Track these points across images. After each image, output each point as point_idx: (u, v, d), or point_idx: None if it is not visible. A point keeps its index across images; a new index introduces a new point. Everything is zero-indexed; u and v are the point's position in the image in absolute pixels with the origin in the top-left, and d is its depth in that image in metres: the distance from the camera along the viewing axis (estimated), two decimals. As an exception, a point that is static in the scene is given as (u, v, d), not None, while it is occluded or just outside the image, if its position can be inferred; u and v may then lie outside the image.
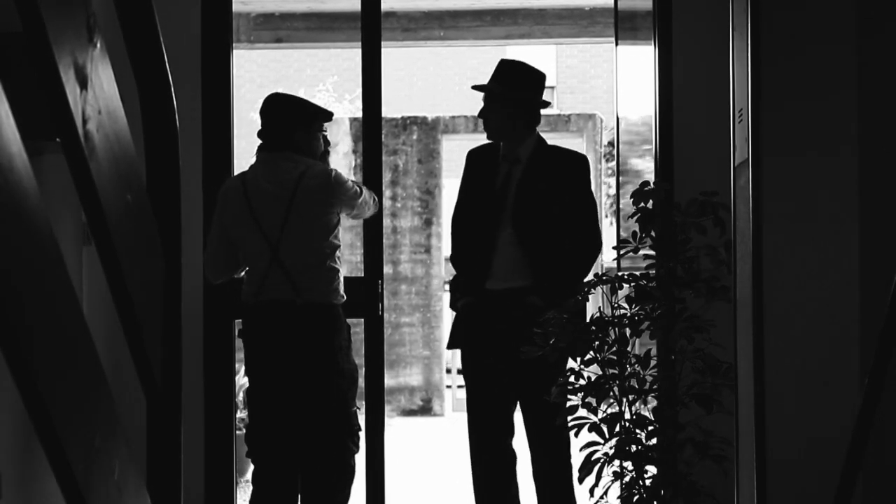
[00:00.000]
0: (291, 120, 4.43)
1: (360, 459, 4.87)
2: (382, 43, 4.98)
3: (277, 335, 4.36)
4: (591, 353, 4.14)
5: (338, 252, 4.47)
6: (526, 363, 4.32)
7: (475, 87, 4.77)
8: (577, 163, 4.69)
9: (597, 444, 4.09)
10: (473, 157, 4.86)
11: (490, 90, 4.65)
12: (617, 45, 5.58)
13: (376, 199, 4.71)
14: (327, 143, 4.61)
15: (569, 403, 4.12)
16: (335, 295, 4.42)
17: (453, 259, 4.79)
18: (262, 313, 4.38)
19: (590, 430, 4.10)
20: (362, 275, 4.94)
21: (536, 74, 4.68)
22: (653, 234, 4.16)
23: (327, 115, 4.54)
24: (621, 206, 5.67)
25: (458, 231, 4.78)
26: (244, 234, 4.41)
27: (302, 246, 4.38)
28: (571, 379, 4.12)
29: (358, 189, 4.51)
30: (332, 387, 4.39)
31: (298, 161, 4.41)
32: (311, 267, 4.37)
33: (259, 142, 4.50)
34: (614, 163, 8.59)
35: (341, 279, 4.48)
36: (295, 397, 4.39)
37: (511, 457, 4.80)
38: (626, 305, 4.20)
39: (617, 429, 4.11)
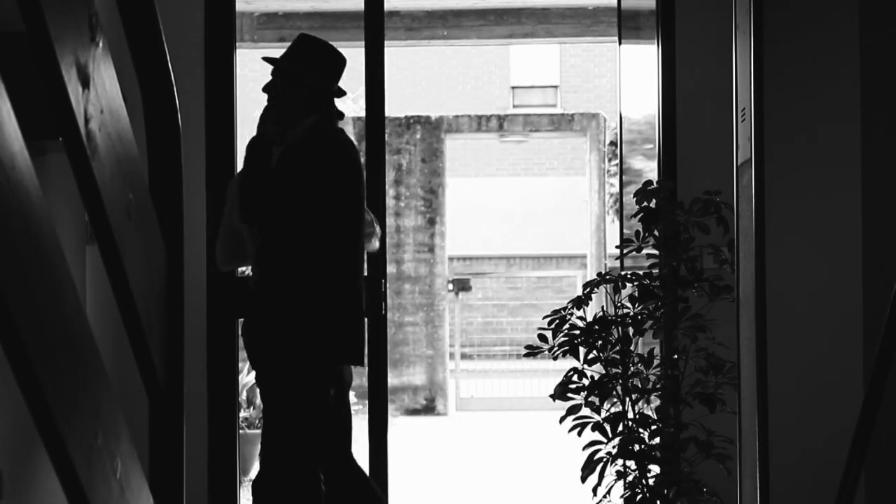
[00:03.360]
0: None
1: (364, 459, 4.88)
2: (386, 42, 4.98)
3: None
4: (595, 352, 4.14)
5: None
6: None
7: (266, 59, 4.17)
8: (328, 157, 4.06)
9: (600, 443, 4.09)
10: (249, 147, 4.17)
11: (283, 68, 4.10)
12: (620, 44, 5.58)
13: None
14: None
15: (571, 402, 4.12)
16: None
17: None
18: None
19: (593, 430, 4.10)
20: (366, 274, 4.94)
21: (339, 58, 4.15)
22: (656, 233, 4.16)
23: None
24: (624, 204, 5.67)
25: None
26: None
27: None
28: (574, 378, 4.13)
29: None
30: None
31: None
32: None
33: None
34: (617, 162, 8.59)
35: None
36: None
37: None
38: (629, 305, 4.20)
39: (620, 428, 4.11)
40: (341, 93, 4.14)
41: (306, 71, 4.08)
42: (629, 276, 4.22)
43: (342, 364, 4.13)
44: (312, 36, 4.17)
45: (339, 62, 4.14)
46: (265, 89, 4.16)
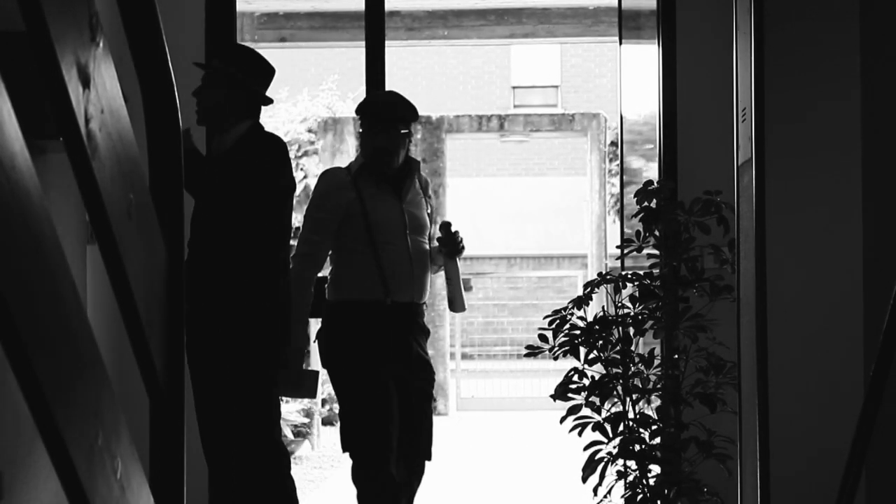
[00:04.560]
0: None
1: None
2: (386, 42, 4.99)
3: None
4: (595, 352, 4.14)
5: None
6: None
7: (197, 64, 4.29)
8: (265, 157, 4.14)
9: (600, 443, 4.09)
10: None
11: (214, 67, 4.18)
12: (621, 44, 5.58)
13: None
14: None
15: (572, 402, 4.12)
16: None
17: None
18: None
19: (593, 430, 4.10)
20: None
21: (271, 68, 4.24)
22: (656, 233, 4.16)
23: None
24: (625, 204, 5.67)
25: None
26: None
27: None
28: (575, 378, 4.13)
29: None
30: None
31: None
32: None
33: None
34: (618, 162, 8.59)
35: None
36: None
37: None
38: (629, 305, 4.20)
39: (620, 428, 4.11)
40: (268, 101, 4.22)
41: (244, 75, 4.15)
42: (630, 276, 4.22)
43: (243, 365, 4.12)
44: (245, 45, 4.33)
45: (271, 71, 4.24)
46: (196, 94, 4.21)
